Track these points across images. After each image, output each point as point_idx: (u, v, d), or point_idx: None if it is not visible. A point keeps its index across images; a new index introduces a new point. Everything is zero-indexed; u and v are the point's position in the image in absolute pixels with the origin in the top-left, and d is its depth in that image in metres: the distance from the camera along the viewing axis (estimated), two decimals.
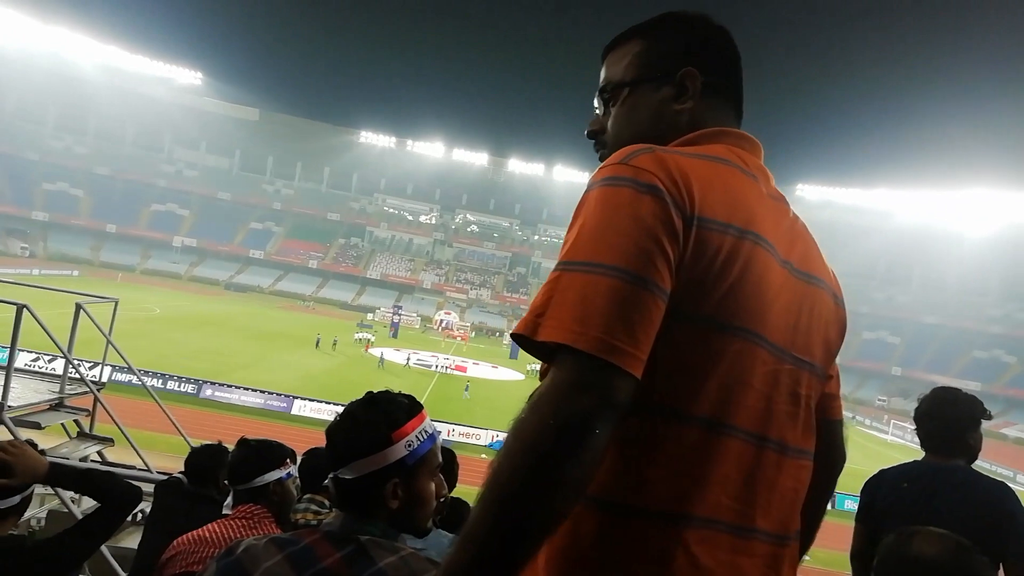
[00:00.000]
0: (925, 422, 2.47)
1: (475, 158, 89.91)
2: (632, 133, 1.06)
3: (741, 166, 0.99)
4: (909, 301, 78.65)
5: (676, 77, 1.06)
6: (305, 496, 2.91)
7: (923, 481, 2.38)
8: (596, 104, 1.14)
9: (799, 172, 75.83)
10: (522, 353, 55.36)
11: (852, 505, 22.14)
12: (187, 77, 77.84)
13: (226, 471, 2.17)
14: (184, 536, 1.99)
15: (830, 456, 1.17)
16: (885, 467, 2.57)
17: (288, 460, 2.24)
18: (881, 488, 2.49)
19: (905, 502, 2.36)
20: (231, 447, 2.38)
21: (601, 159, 1.09)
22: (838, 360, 1.17)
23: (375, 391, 1.30)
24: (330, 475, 1.21)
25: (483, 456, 21.67)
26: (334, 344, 39.71)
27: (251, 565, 1.08)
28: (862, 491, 2.55)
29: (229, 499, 2.23)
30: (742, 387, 0.90)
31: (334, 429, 1.24)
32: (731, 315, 0.88)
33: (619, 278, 0.81)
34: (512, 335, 0.85)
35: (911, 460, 2.54)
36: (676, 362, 0.87)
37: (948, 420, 2.43)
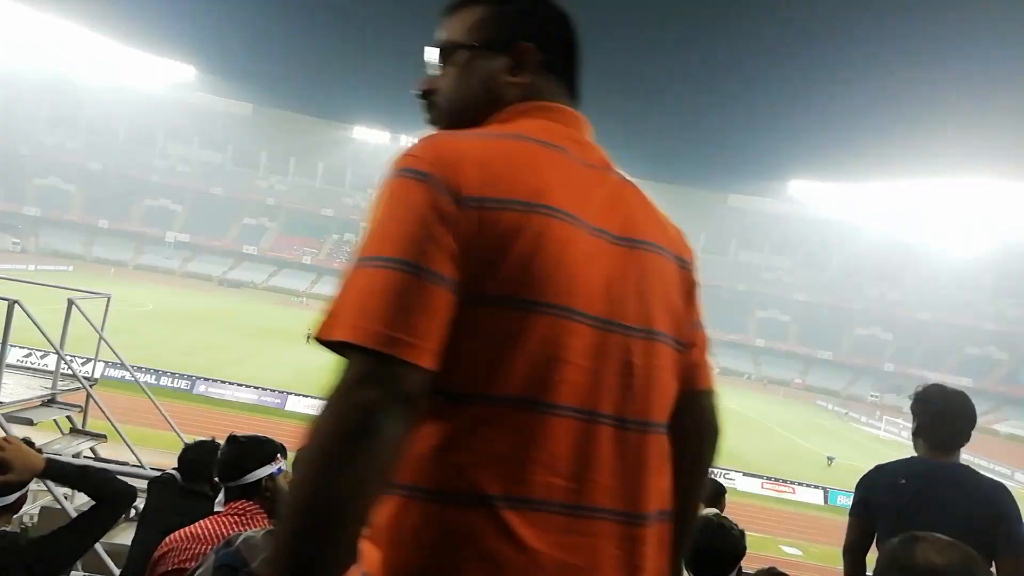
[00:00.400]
0: (936, 420, 2.44)
1: None
2: (462, 97, 1.07)
3: (542, 139, 0.97)
4: (901, 297, 79.04)
5: (515, 50, 1.06)
6: None
7: (922, 478, 2.37)
8: (429, 62, 1.13)
9: (791, 169, 75.93)
10: None
11: (846, 501, 22.30)
12: (180, 71, 77.44)
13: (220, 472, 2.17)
14: (177, 532, 1.99)
15: (697, 428, 1.12)
16: (881, 462, 2.56)
17: (279, 455, 2.24)
18: (878, 483, 2.48)
19: (903, 498, 2.35)
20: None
21: (430, 121, 1.10)
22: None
23: None
24: None
25: None
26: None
27: (250, 555, 1.09)
28: (858, 486, 2.54)
29: (221, 496, 2.23)
30: (557, 363, 0.87)
31: None
32: (528, 291, 0.86)
33: (397, 269, 0.81)
34: (314, 339, 0.84)
35: (908, 456, 2.54)
36: (480, 346, 0.85)
37: (958, 419, 2.42)
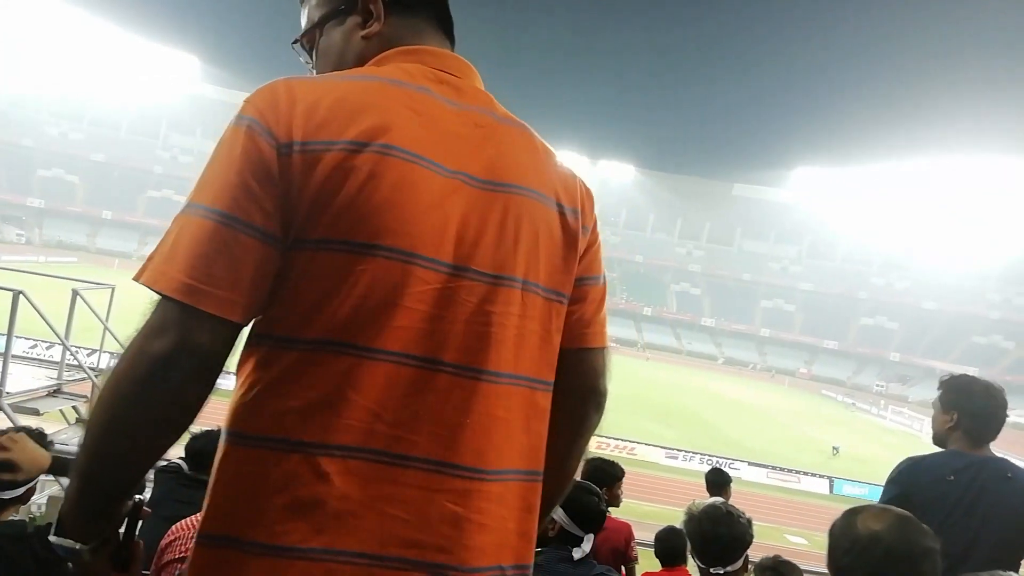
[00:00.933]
0: (981, 413, 2.37)
1: None
2: (332, 71, 1.04)
3: (398, 80, 0.94)
4: (907, 286, 78.75)
5: (360, 5, 1.05)
6: None
7: (970, 473, 2.29)
8: (303, 60, 1.13)
9: (796, 155, 75.52)
10: None
11: (852, 490, 22.23)
12: (183, 62, 77.31)
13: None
14: (183, 521, 2.00)
15: (579, 387, 1.05)
16: (914, 456, 2.45)
17: None
18: (920, 479, 2.35)
19: (951, 496, 2.26)
20: None
21: None
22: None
23: None
24: None
25: None
26: None
27: None
28: (893, 481, 2.40)
29: None
30: (389, 308, 0.84)
31: None
32: (358, 234, 0.83)
33: (209, 218, 0.80)
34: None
35: (946, 451, 2.43)
36: (305, 290, 0.84)
37: (1001, 410, 2.36)
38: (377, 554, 0.81)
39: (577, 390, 1.05)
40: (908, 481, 2.37)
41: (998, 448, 2.46)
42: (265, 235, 0.82)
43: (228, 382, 0.85)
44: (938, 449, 2.48)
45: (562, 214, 1.00)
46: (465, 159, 0.92)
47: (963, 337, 70.66)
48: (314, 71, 1.10)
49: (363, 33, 1.04)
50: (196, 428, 3.41)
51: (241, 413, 0.85)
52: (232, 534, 0.81)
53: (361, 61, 1.03)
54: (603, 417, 1.09)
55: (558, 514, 2.18)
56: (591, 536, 2.20)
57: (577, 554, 2.13)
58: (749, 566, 2.32)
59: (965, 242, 72.92)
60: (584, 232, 1.03)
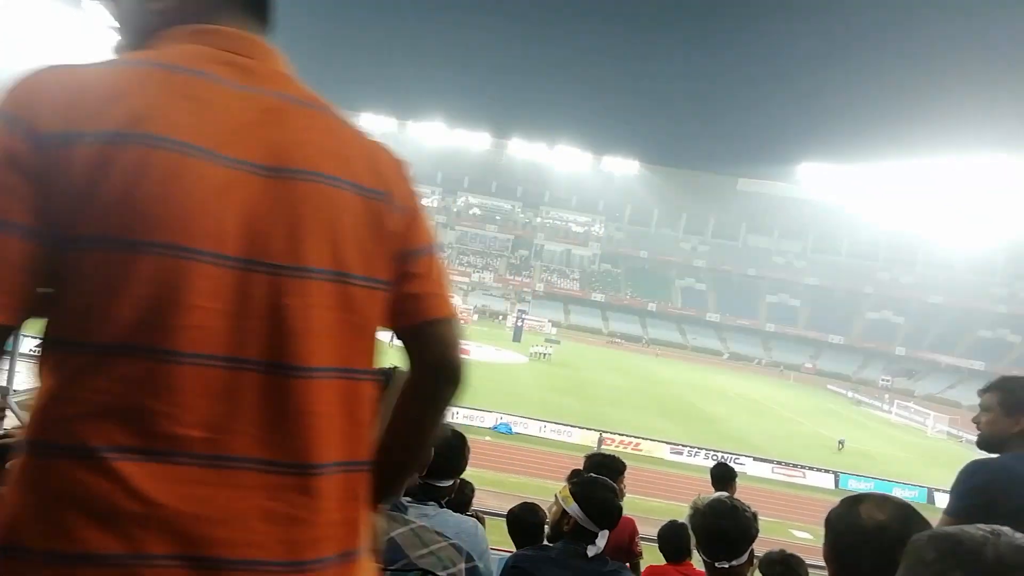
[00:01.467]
0: None
1: (476, 139, 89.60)
2: (120, 39, 1.01)
3: (173, 64, 0.89)
4: (913, 281, 78.52)
5: None
6: None
7: None
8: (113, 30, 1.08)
9: (801, 151, 75.32)
10: (526, 336, 54.79)
11: (858, 485, 22.18)
12: None
13: None
14: None
15: (423, 361, 1.04)
16: (980, 459, 2.31)
17: None
18: (1009, 487, 2.17)
19: None
20: None
21: None
22: None
23: None
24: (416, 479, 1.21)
25: (487, 438, 21.82)
26: None
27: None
28: (971, 489, 2.22)
29: None
30: (176, 307, 0.80)
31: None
32: (127, 231, 0.79)
33: None
34: None
35: (1013, 454, 2.30)
36: (79, 292, 0.80)
37: None
38: (188, 555, 0.79)
39: (426, 364, 1.04)
40: (989, 488, 2.20)
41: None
42: (27, 232, 0.78)
43: None
44: (989, 455, 2.36)
45: (364, 196, 0.96)
46: (249, 146, 0.87)
47: (969, 331, 70.45)
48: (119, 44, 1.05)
49: (149, 6, 0.98)
50: None
51: (36, 420, 0.81)
52: (27, 544, 0.77)
53: (149, 36, 0.97)
54: (461, 387, 1.05)
55: (572, 509, 2.17)
56: (606, 532, 2.19)
57: (591, 551, 2.12)
58: (755, 561, 2.32)
59: (971, 237, 72.65)
60: (394, 209, 0.99)
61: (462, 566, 1.11)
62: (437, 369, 1.03)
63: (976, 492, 2.19)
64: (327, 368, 0.90)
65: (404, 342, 1.02)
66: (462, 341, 1.05)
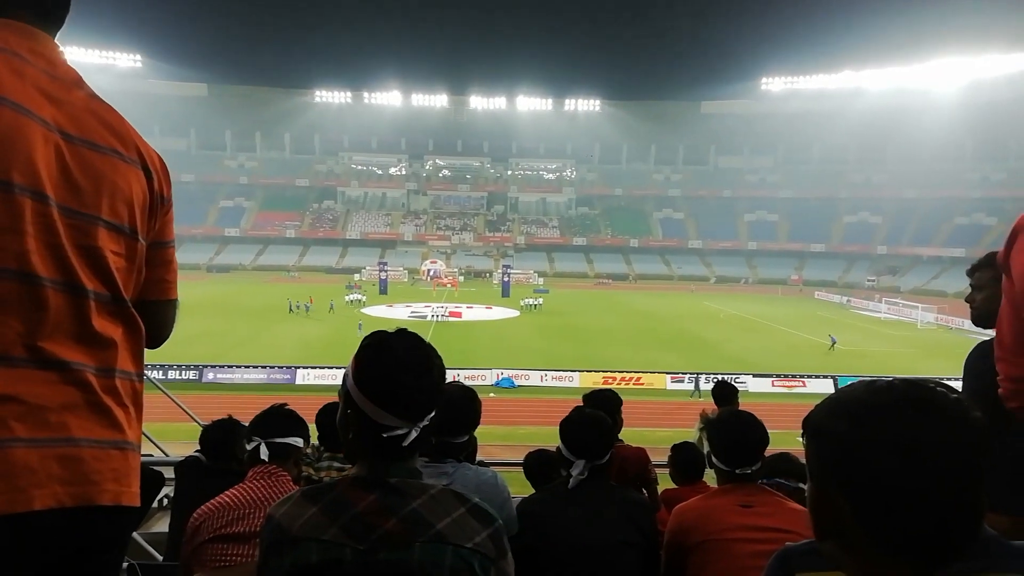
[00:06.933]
0: None
1: (435, 100, 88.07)
2: None
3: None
4: (886, 179, 79.01)
5: None
6: (325, 455, 2.95)
7: None
8: None
9: (763, 66, 74.71)
10: (514, 290, 54.71)
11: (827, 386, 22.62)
12: (126, 61, 75.03)
13: (261, 429, 2.18)
14: (205, 505, 2.00)
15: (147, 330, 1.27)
16: (988, 339, 2.02)
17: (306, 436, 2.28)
18: None
19: None
20: (245, 422, 2.40)
21: None
22: None
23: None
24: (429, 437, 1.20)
25: (491, 395, 22.04)
26: (331, 308, 40.48)
27: (289, 522, 1.11)
28: (985, 360, 1.97)
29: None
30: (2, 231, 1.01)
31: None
32: None
33: None
34: None
35: None
36: None
37: None
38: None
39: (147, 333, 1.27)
40: None
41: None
42: None
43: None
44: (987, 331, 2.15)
45: (142, 170, 1.21)
46: (66, 121, 1.10)
47: (946, 220, 71.36)
48: None
49: None
50: (207, 420, 3.43)
51: None
52: None
53: None
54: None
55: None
56: (581, 463, 2.15)
57: (571, 483, 2.11)
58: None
59: (937, 127, 72.83)
60: (163, 200, 1.26)
61: (485, 534, 1.12)
62: (150, 339, 1.30)
63: (991, 371, 1.97)
64: (94, 292, 1.15)
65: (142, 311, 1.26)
66: None
